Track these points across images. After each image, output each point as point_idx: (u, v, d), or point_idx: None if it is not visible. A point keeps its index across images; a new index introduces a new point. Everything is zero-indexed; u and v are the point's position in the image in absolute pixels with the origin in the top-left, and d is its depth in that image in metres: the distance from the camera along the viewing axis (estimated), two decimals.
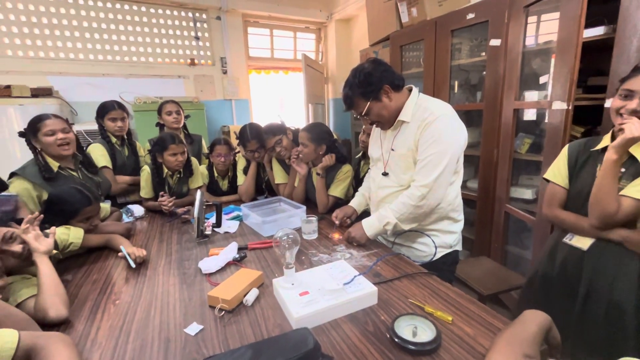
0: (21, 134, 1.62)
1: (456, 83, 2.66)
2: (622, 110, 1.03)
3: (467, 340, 0.82)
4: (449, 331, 0.85)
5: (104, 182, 1.86)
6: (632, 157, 1.07)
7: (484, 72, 2.22)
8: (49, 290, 0.95)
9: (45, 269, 0.98)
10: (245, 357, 0.71)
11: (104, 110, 2.09)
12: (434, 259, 1.36)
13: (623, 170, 1.09)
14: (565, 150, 1.26)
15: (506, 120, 2.09)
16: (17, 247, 0.98)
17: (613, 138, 1.11)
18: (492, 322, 0.88)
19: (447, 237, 1.38)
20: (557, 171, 1.26)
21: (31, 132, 1.59)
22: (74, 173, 1.69)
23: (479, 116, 2.30)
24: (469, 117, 2.54)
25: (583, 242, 1.16)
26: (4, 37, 3.08)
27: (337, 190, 1.84)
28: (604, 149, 1.11)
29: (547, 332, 0.73)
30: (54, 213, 1.28)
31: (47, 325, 0.91)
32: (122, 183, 2.09)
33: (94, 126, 2.14)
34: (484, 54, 2.30)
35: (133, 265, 1.27)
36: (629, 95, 1.01)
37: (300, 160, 1.87)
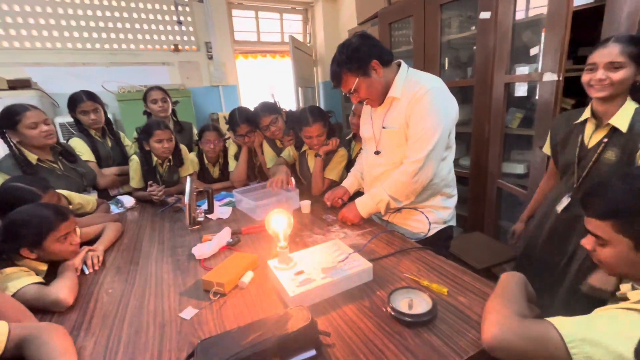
0: None
1: (446, 60, 2.62)
2: (591, 82, 1.10)
3: (463, 309, 0.83)
4: (445, 302, 0.86)
5: (88, 173, 1.80)
6: (613, 128, 1.08)
7: (474, 48, 2.18)
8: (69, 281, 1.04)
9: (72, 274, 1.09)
10: (241, 336, 0.71)
11: (74, 103, 1.93)
12: (428, 235, 1.36)
13: (606, 140, 1.09)
14: (552, 123, 1.36)
15: (497, 95, 2.07)
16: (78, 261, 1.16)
17: (592, 112, 1.16)
18: (486, 292, 0.88)
19: (441, 212, 1.38)
20: (547, 143, 1.37)
21: (8, 124, 1.51)
22: (55, 165, 1.64)
23: (470, 93, 2.28)
24: (460, 94, 2.52)
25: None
26: None
27: (333, 173, 1.82)
28: (584, 122, 1.19)
29: (525, 286, 0.79)
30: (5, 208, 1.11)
31: (45, 311, 0.95)
32: (109, 175, 2.02)
33: None
34: (474, 28, 2.26)
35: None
36: (593, 68, 1.09)
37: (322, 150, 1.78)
